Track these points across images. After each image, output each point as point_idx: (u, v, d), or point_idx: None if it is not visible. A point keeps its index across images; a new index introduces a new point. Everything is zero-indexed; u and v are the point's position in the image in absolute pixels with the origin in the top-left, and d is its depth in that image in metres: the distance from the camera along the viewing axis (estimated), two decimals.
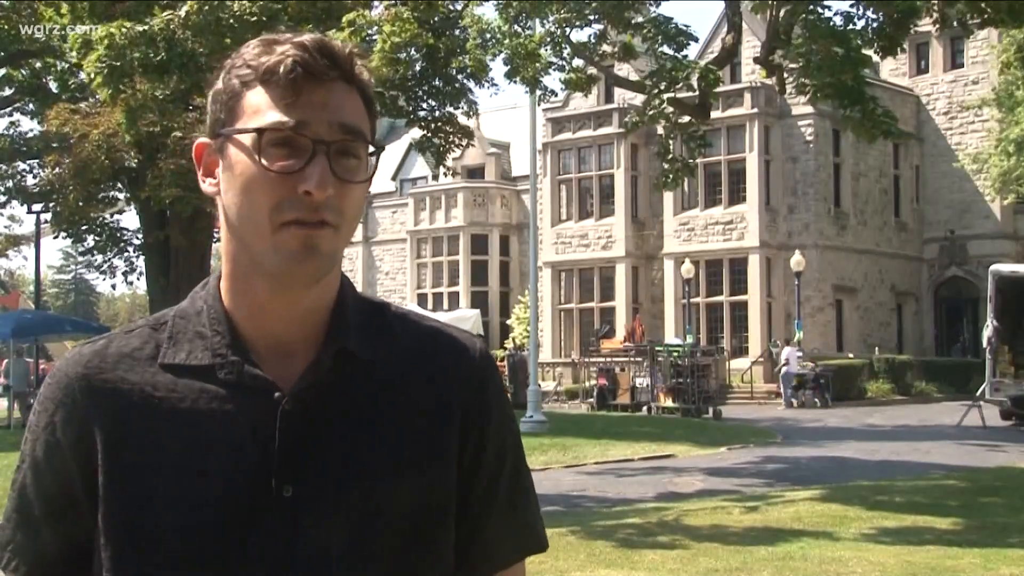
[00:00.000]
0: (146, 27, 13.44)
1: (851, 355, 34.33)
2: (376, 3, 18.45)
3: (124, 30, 13.16)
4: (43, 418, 1.34)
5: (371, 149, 1.32)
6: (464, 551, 1.40)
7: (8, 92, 29.36)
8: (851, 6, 15.52)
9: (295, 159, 1.27)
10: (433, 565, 1.35)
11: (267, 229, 1.27)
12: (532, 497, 1.48)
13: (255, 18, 13.49)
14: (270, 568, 1.26)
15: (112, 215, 29.48)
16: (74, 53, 14.26)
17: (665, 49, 17.63)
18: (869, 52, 16.00)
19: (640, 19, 17.87)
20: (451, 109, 22.56)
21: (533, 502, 1.48)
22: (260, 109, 1.28)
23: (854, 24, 15.76)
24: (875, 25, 15.64)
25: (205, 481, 1.27)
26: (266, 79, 1.28)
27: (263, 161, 1.27)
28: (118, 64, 13.13)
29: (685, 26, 17.65)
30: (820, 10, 15.93)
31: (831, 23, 15.68)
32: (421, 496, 1.33)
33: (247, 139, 1.28)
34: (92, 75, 13.48)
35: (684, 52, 17.89)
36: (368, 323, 1.39)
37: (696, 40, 19.21)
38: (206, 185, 1.36)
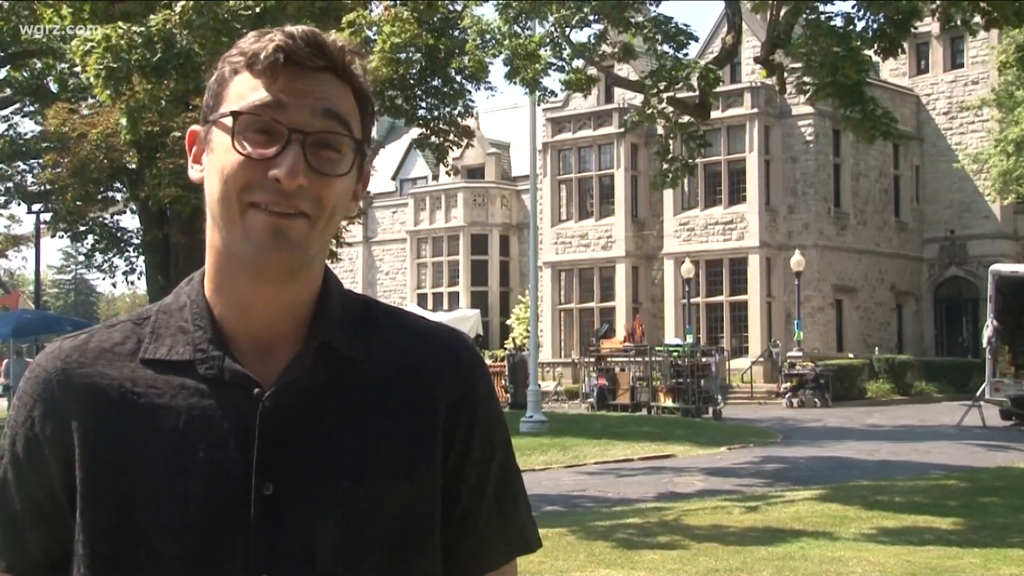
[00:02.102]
0: (144, 28, 13.41)
1: (851, 355, 34.32)
2: (376, 3, 18.44)
3: (120, 31, 13.12)
4: (22, 413, 1.32)
5: (358, 148, 1.30)
6: (453, 551, 1.38)
7: (8, 92, 29.35)
8: (852, 7, 15.51)
9: (272, 146, 1.26)
10: (419, 565, 1.33)
11: (236, 211, 1.26)
12: (522, 497, 1.45)
13: (249, 11, 13.44)
14: (252, 567, 1.24)
15: (111, 215, 29.48)
16: (77, 58, 14.25)
17: (665, 49, 17.64)
18: (869, 53, 15.98)
19: (640, 19, 17.87)
20: (449, 110, 22.56)
21: (523, 503, 1.45)
22: (243, 94, 1.28)
23: (854, 26, 15.75)
24: (875, 27, 15.61)
25: (185, 478, 1.25)
26: (251, 64, 1.28)
27: (237, 144, 1.26)
28: (116, 66, 13.10)
29: (685, 26, 17.70)
30: (820, 5, 15.92)
31: (831, 23, 15.66)
32: (406, 495, 1.30)
33: (227, 122, 1.28)
34: (92, 77, 13.46)
35: (684, 52, 17.91)
36: (353, 320, 1.37)
37: (696, 40, 19.23)
38: (193, 171, 1.35)
